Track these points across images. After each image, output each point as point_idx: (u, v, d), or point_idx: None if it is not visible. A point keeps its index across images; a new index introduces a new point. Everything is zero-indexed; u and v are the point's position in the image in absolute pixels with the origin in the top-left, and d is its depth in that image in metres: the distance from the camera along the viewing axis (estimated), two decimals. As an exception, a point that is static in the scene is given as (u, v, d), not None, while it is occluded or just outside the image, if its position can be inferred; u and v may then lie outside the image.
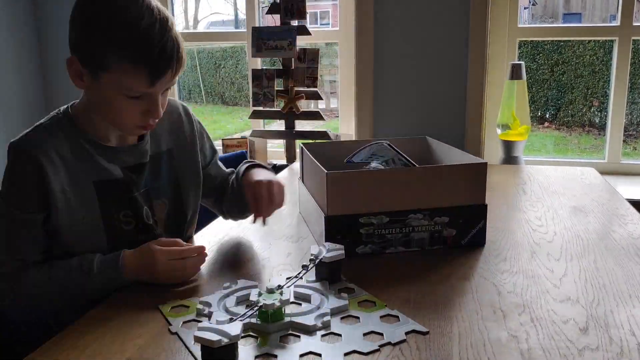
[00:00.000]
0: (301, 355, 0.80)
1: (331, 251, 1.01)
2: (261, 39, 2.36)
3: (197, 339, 0.74)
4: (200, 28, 3.30)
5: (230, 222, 1.37)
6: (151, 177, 1.13)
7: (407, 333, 0.85)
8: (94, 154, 1.03)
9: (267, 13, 2.42)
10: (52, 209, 1.00)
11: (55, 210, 1.00)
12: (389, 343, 0.83)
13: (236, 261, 1.17)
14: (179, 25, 2.76)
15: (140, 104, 0.97)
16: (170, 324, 0.88)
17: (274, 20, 2.42)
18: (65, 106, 1.06)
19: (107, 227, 1.06)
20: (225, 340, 0.74)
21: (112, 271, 0.99)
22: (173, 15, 2.73)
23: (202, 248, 1.04)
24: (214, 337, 0.74)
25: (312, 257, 1.01)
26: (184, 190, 1.20)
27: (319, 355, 0.80)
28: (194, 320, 0.90)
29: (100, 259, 1.01)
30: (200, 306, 0.92)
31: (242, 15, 2.99)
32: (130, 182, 1.08)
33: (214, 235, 1.31)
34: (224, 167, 1.34)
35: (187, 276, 1.02)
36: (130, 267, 1.00)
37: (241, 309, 0.90)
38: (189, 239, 1.25)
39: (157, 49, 0.90)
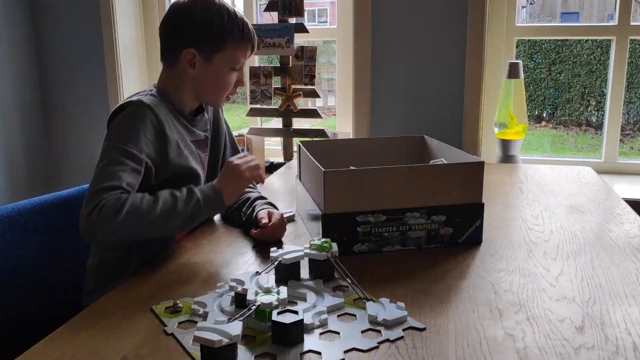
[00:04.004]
0: (301, 354, 0.80)
1: (290, 253, 1.02)
2: (259, 36, 2.35)
3: (198, 339, 0.74)
4: (198, 25, 3.30)
5: (226, 221, 1.37)
6: (214, 147, 1.39)
7: (404, 330, 0.85)
8: (184, 121, 1.28)
9: (264, 10, 2.41)
10: (168, 158, 1.19)
11: (167, 160, 1.19)
12: (387, 340, 0.83)
13: (232, 260, 1.17)
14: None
15: (235, 76, 1.28)
16: (165, 325, 0.88)
17: (272, 17, 2.42)
18: (151, 87, 1.28)
19: (203, 178, 1.30)
20: (226, 340, 0.74)
21: (211, 193, 1.14)
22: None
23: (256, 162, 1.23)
24: (215, 337, 0.74)
25: (272, 258, 1.02)
26: (218, 160, 1.42)
27: (319, 353, 0.80)
28: (189, 320, 0.90)
29: (194, 187, 1.15)
30: (195, 306, 0.92)
31: (239, 13, 2.99)
32: (205, 143, 1.35)
33: (210, 234, 1.31)
34: None
35: (260, 169, 1.22)
36: (224, 187, 1.16)
37: (237, 309, 0.90)
38: None
39: (250, 27, 1.26)
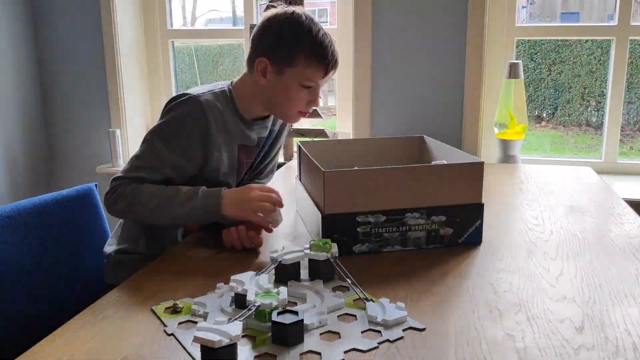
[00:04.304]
0: (301, 354, 0.80)
1: (290, 253, 1.02)
2: (259, 36, 2.35)
3: (198, 339, 0.74)
4: (198, 25, 3.30)
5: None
6: (264, 149, 1.45)
7: (404, 330, 0.85)
8: (241, 124, 1.32)
9: (264, 10, 2.41)
10: (208, 159, 1.26)
11: (208, 160, 1.26)
12: (387, 340, 0.83)
13: (231, 261, 1.17)
14: (176, 22, 2.77)
15: (307, 95, 1.29)
16: (165, 325, 0.88)
17: (272, 18, 2.41)
18: (227, 84, 1.34)
19: (237, 184, 1.37)
20: (226, 340, 0.74)
21: (213, 199, 1.18)
22: (171, 12, 2.73)
23: (279, 201, 1.22)
24: (215, 337, 0.74)
25: (272, 258, 1.02)
26: (271, 168, 1.55)
27: (319, 353, 0.80)
28: (189, 321, 0.90)
29: (205, 189, 1.20)
30: (195, 307, 0.92)
31: (239, 12, 2.99)
32: (255, 149, 1.39)
33: (210, 234, 1.31)
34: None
35: (268, 211, 1.19)
36: (228, 199, 1.18)
37: (237, 310, 0.90)
38: None
39: (331, 51, 1.26)
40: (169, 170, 1.23)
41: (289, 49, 1.24)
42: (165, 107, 1.27)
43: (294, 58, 1.24)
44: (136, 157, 1.24)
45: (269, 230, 1.22)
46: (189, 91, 1.27)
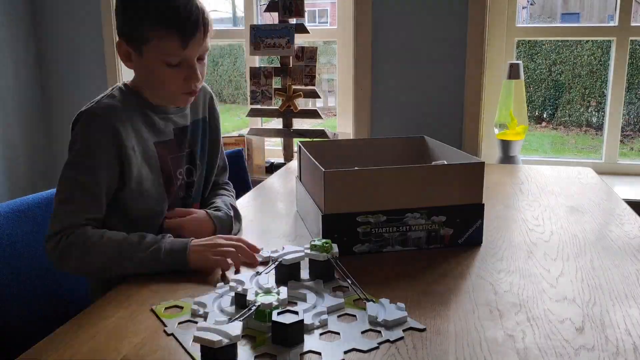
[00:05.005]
0: (301, 354, 0.80)
1: (291, 253, 1.02)
2: (259, 37, 2.36)
3: (198, 339, 0.74)
4: (198, 26, 3.31)
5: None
6: (192, 141, 1.26)
7: (404, 330, 0.85)
8: (154, 117, 1.17)
9: (265, 11, 2.41)
10: (124, 167, 1.10)
11: (127, 166, 1.10)
12: (387, 340, 0.83)
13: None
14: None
15: (180, 72, 1.10)
16: (165, 325, 0.88)
17: (272, 18, 2.42)
18: (121, 82, 1.19)
19: (166, 184, 1.19)
20: (226, 340, 0.74)
21: (179, 255, 1.05)
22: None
23: (250, 254, 1.11)
24: (215, 337, 0.74)
25: (272, 258, 1.02)
26: (213, 158, 1.32)
27: (319, 354, 0.80)
28: (189, 321, 0.90)
29: (168, 245, 1.06)
30: (195, 307, 0.92)
31: (240, 13, 2.99)
32: (179, 143, 1.22)
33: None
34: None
35: (234, 258, 1.08)
36: (196, 247, 1.06)
37: (237, 309, 0.90)
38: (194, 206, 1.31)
39: (184, 14, 1.04)
40: (103, 193, 1.10)
41: (133, 22, 1.06)
42: (72, 129, 1.13)
43: (143, 33, 1.05)
44: (64, 202, 1.07)
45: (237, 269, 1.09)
46: (83, 108, 1.13)
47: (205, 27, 1.08)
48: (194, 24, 1.05)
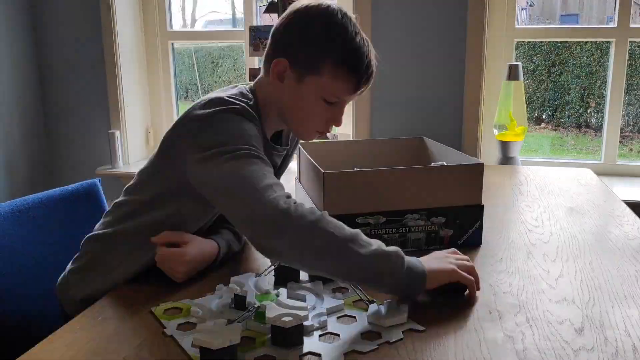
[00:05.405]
0: (300, 356, 0.80)
1: None
2: (259, 38, 2.36)
3: (197, 341, 0.74)
4: (198, 27, 3.31)
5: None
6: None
7: (404, 332, 0.85)
8: (264, 145, 1.05)
9: (264, 12, 2.41)
10: None
11: None
12: (386, 342, 0.83)
13: (231, 262, 1.17)
14: (175, 24, 2.77)
15: (329, 111, 1.06)
16: (164, 327, 0.88)
17: (272, 19, 2.42)
18: (247, 87, 1.08)
19: None
20: (226, 342, 0.74)
21: (417, 263, 0.91)
22: (170, 13, 2.73)
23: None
24: (214, 339, 0.74)
25: (271, 260, 1.02)
26: None
27: (319, 355, 0.80)
28: (188, 322, 0.90)
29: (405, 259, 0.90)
30: (194, 308, 0.92)
31: (239, 14, 2.99)
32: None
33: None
34: None
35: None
36: (431, 265, 0.93)
37: (236, 311, 0.90)
38: None
39: (366, 63, 1.03)
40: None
41: (315, 52, 1.01)
42: (190, 119, 0.98)
43: (321, 65, 1.01)
44: (245, 175, 0.89)
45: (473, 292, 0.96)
46: (211, 96, 1.00)
47: (372, 80, 1.08)
48: (370, 75, 1.05)
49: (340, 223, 0.89)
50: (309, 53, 1.02)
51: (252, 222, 0.87)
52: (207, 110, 0.97)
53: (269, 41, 1.07)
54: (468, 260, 0.98)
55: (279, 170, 1.24)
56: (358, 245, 0.87)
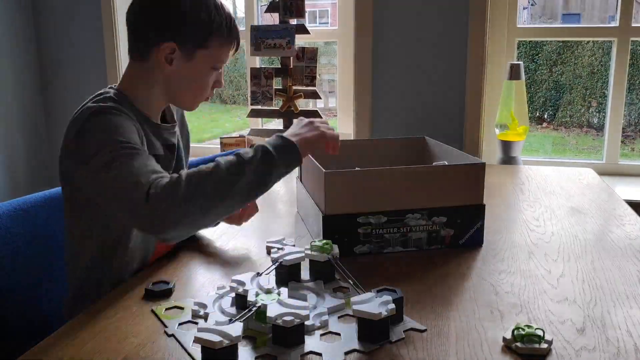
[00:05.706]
0: (302, 355, 0.80)
1: (291, 254, 1.02)
2: (260, 37, 2.35)
3: (198, 340, 0.74)
4: (199, 26, 3.31)
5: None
6: (177, 159, 1.22)
7: (405, 331, 0.85)
8: (147, 129, 1.11)
9: (265, 11, 2.41)
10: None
11: None
12: (388, 341, 0.83)
13: (232, 261, 1.17)
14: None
15: (214, 77, 1.15)
16: (166, 326, 0.88)
17: (273, 18, 2.42)
18: (110, 88, 1.12)
19: None
20: (227, 341, 0.74)
21: (278, 140, 1.00)
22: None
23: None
24: (215, 338, 0.73)
25: (272, 260, 1.02)
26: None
27: (320, 354, 0.80)
28: (189, 321, 0.90)
29: (270, 144, 0.99)
30: (195, 307, 0.92)
31: (240, 13, 2.99)
32: (166, 160, 1.16)
33: (210, 235, 1.31)
34: None
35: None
36: (292, 134, 1.03)
37: (237, 310, 0.90)
38: None
39: (237, 26, 1.15)
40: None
41: (203, 29, 1.08)
42: (72, 136, 1.02)
43: (209, 38, 1.09)
44: (122, 166, 0.93)
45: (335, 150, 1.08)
46: (79, 110, 1.06)
47: None
48: (239, 36, 1.17)
49: (197, 167, 0.94)
50: (193, 33, 1.08)
51: (142, 210, 0.89)
52: (77, 127, 1.02)
53: (133, 31, 1.10)
54: (327, 123, 1.09)
55: (185, 149, 1.28)
56: (231, 167, 0.93)
